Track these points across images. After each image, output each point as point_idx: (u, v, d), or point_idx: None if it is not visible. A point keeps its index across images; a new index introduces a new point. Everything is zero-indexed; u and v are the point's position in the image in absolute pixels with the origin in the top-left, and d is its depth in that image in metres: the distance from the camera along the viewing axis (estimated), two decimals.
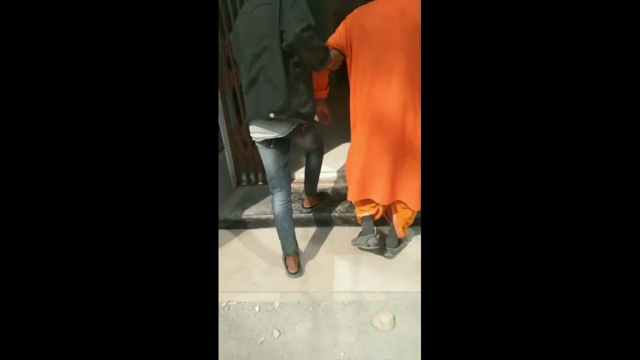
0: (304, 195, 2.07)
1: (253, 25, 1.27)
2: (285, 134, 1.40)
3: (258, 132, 1.42)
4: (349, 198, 1.62)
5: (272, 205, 1.59)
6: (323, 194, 2.14)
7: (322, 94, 1.60)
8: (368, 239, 1.65)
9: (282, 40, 1.20)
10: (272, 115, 1.30)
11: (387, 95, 1.32)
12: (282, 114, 1.31)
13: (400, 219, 1.63)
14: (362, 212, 1.65)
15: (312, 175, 1.89)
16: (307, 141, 1.59)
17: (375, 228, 1.69)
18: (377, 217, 1.68)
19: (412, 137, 1.37)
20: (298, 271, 1.66)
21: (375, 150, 1.44)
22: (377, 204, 1.60)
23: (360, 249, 1.76)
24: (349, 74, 1.43)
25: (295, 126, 1.39)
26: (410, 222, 1.65)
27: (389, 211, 1.71)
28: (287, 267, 1.67)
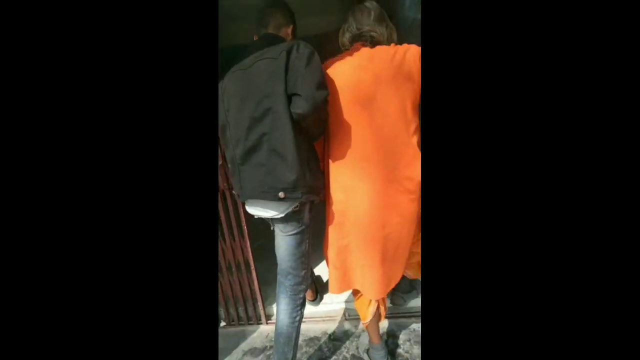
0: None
1: (251, 84, 1.00)
2: (284, 213, 1.06)
3: (255, 210, 1.13)
4: (331, 290, 1.22)
5: (277, 310, 1.24)
6: (317, 279, 1.64)
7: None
8: (394, 299, 1.45)
9: (290, 102, 0.95)
10: (281, 194, 1.00)
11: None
12: (295, 192, 1.01)
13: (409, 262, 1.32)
14: (365, 317, 1.29)
15: (282, 346, 1.25)
16: (289, 240, 1.15)
17: (386, 341, 1.38)
18: (383, 315, 1.33)
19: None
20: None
21: (352, 238, 1.14)
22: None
23: None
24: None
25: (298, 204, 1.06)
26: (419, 268, 1.33)
27: None
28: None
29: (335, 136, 1.09)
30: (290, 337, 1.18)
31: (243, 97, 1.03)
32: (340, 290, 1.21)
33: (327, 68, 1.07)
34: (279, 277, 1.21)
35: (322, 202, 1.17)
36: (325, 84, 0.97)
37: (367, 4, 1.15)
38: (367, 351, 1.40)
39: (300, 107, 0.93)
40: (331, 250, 1.17)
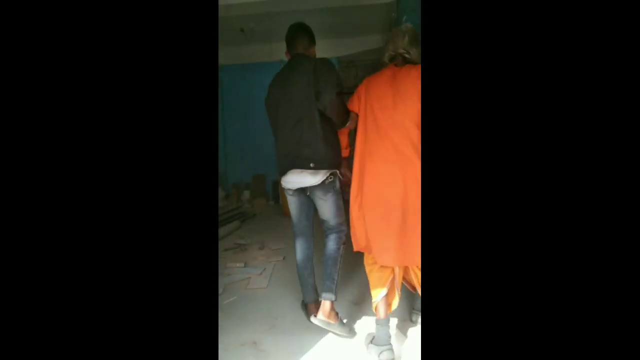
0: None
1: (292, 91, 1.46)
2: (320, 182, 1.47)
3: (293, 181, 1.52)
4: (356, 248, 1.48)
5: (295, 251, 1.67)
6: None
7: (345, 152, 1.63)
8: (381, 353, 1.38)
9: (317, 100, 1.40)
10: (312, 165, 1.44)
11: (381, 162, 1.37)
12: (323, 164, 1.46)
13: (415, 277, 1.43)
14: (377, 293, 1.41)
15: (330, 267, 1.56)
16: (329, 204, 1.53)
17: (391, 336, 1.43)
18: (391, 304, 1.46)
19: (410, 195, 1.30)
20: None
21: (377, 211, 1.37)
22: (391, 273, 1.41)
23: None
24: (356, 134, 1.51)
25: (328, 175, 1.48)
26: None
27: (409, 279, 1.54)
28: (306, 314, 1.65)
29: (365, 132, 1.41)
30: (336, 260, 1.57)
31: (287, 100, 1.46)
32: (363, 248, 1.45)
33: (369, 82, 1.44)
34: (326, 229, 1.62)
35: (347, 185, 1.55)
36: (340, 84, 1.42)
37: (403, 27, 1.46)
38: (372, 340, 1.47)
39: (321, 101, 1.38)
40: (357, 225, 1.44)
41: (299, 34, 1.56)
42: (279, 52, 4.97)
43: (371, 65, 5.27)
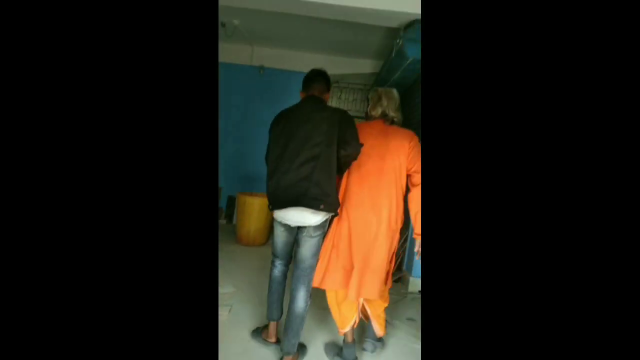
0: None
1: (307, 130, 1.48)
2: (319, 222, 1.52)
3: (293, 220, 1.52)
4: (321, 285, 1.60)
5: (271, 269, 1.72)
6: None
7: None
8: (365, 345, 1.71)
9: (339, 148, 1.48)
10: (322, 206, 1.46)
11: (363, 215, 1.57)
12: (331, 207, 1.49)
13: (374, 313, 1.67)
14: (348, 322, 1.62)
15: (297, 324, 1.55)
16: (314, 241, 1.56)
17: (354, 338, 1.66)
18: (357, 321, 1.65)
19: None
20: (276, 341, 1.68)
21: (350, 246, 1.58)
22: (357, 304, 1.62)
23: None
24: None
25: (327, 216, 1.54)
26: (383, 315, 1.70)
27: (363, 310, 1.70)
28: (266, 336, 1.71)
29: (352, 175, 1.60)
30: (304, 318, 1.57)
31: (303, 136, 1.48)
32: (318, 284, 1.59)
33: (360, 130, 1.54)
34: (298, 272, 1.58)
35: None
36: (358, 138, 1.51)
37: (394, 92, 1.67)
38: (338, 354, 1.68)
39: (349, 151, 1.48)
40: (324, 255, 1.61)
41: (319, 78, 1.64)
42: (260, 58, 4.48)
43: (357, 90, 5.01)
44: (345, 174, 1.60)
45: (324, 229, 1.56)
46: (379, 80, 3.36)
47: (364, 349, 1.73)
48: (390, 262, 1.62)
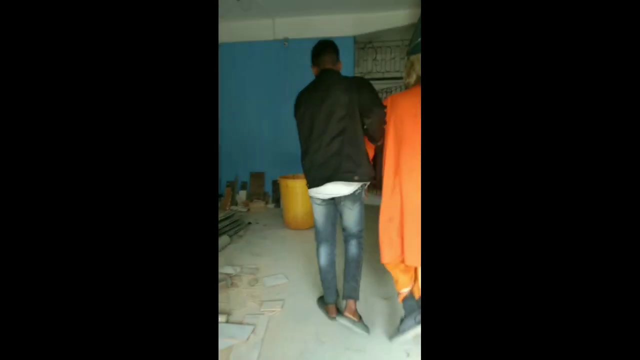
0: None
1: (328, 106, 1.49)
2: (354, 192, 1.57)
3: (328, 193, 1.56)
4: (383, 260, 1.58)
5: (318, 257, 1.74)
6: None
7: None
8: (416, 317, 1.51)
9: (362, 117, 1.50)
10: (356, 177, 1.50)
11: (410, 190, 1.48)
12: (364, 176, 1.53)
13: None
14: (402, 287, 1.59)
15: (353, 269, 1.68)
16: (355, 212, 1.64)
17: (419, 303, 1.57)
18: (417, 292, 1.59)
19: None
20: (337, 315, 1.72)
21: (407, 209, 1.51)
22: (414, 272, 1.59)
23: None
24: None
25: (361, 185, 1.58)
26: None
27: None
28: (325, 312, 1.76)
29: (396, 148, 1.50)
30: (359, 263, 1.69)
31: (326, 114, 1.49)
32: (391, 259, 1.54)
33: (397, 100, 1.52)
34: (346, 237, 1.70)
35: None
36: (380, 103, 1.50)
37: None
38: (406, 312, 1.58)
39: (370, 116, 1.48)
40: (388, 227, 1.55)
41: (328, 50, 1.60)
42: (283, 30, 4.17)
43: (394, 48, 4.51)
44: (391, 145, 1.52)
45: (361, 198, 1.63)
46: (417, 33, 2.92)
47: (401, 331, 1.52)
48: None
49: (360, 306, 1.75)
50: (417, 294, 1.60)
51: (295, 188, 3.21)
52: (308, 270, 2.34)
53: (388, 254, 1.54)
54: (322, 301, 1.85)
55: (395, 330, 1.58)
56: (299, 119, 1.60)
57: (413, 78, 1.58)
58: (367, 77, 4.46)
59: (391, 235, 1.52)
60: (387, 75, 4.58)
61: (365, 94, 1.48)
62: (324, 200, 1.63)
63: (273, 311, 1.84)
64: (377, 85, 4.00)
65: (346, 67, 3.25)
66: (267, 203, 4.36)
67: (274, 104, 4.32)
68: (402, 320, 1.56)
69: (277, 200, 4.26)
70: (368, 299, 1.95)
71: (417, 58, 1.61)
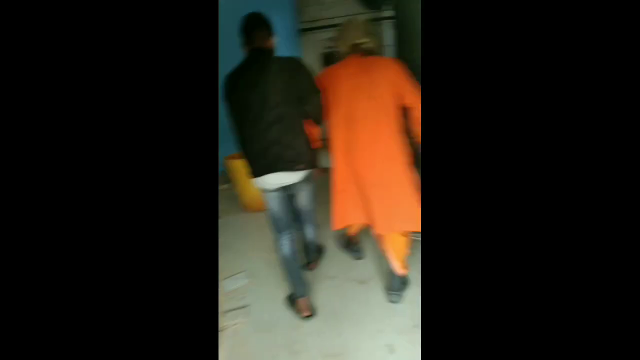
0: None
1: (261, 92, 1.36)
2: (301, 179, 1.53)
3: (274, 183, 1.49)
4: (335, 227, 1.66)
5: (279, 248, 1.63)
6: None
7: (318, 144, 1.67)
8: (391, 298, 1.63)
9: (300, 103, 1.41)
10: (299, 166, 1.45)
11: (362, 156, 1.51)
12: (308, 164, 1.49)
13: (393, 250, 1.58)
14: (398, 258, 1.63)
15: (310, 244, 1.93)
16: (307, 193, 1.67)
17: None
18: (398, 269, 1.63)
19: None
20: (310, 315, 1.60)
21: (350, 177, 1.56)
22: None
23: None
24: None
25: (308, 173, 1.55)
26: (405, 251, 1.60)
27: (380, 244, 1.67)
28: (298, 310, 1.62)
29: (341, 123, 1.52)
30: (316, 241, 1.97)
31: (260, 100, 1.37)
32: (340, 225, 1.66)
33: (333, 73, 1.53)
34: (303, 215, 1.79)
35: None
36: (317, 87, 1.46)
37: (357, 18, 1.60)
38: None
39: (309, 103, 1.43)
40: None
41: (258, 25, 1.42)
42: None
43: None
44: (338, 122, 1.52)
45: (310, 179, 1.61)
46: None
47: (392, 302, 1.62)
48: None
49: (335, 292, 1.76)
50: (397, 265, 1.60)
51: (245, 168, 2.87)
52: (271, 262, 2.10)
53: (340, 222, 1.64)
54: (290, 299, 1.68)
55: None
56: (230, 104, 1.45)
57: (346, 45, 1.51)
58: (313, 25, 4.00)
59: (346, 205, 1.58)
60: (336, 22, 4.12)
61: (302, 80, 1.38)
62: (273, 188, 1.54)
63: (236, 324, 1.61)
64: (326, 34, 3.63)
65: (287, 18, 2.78)
66: (220, 184, 3.98)
67: None
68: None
69: (230, 181, 3.90)
70: (343, 284, 1.82)
71: (345, 23, 1.53)
